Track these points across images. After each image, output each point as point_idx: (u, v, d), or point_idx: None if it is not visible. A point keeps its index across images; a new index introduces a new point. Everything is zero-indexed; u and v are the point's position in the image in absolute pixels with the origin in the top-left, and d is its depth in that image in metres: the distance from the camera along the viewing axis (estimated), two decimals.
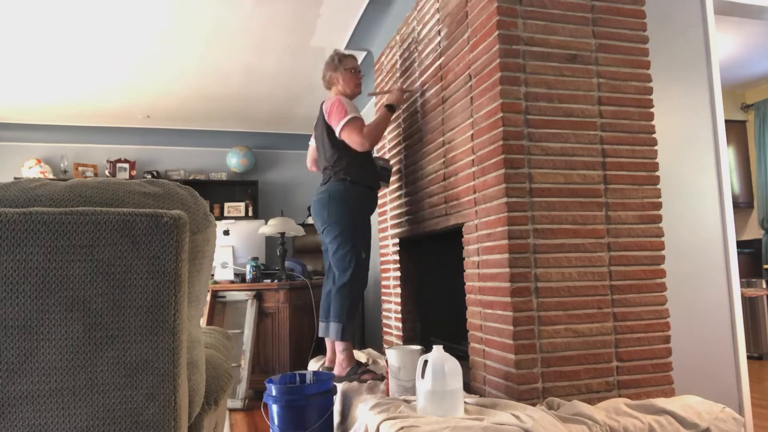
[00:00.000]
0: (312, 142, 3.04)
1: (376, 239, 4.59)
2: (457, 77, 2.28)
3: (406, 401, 1.97)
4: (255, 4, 3.41)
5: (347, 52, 3.20)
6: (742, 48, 4.58)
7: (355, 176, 2.67)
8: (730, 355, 2.34)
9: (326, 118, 2.71)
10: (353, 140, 2.60)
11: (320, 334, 2.76)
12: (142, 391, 0.91)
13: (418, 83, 2.75)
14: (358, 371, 2.57)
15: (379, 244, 3.41)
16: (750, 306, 4.50)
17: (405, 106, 2.95)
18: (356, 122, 2.63)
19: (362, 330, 4.82)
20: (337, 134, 2.66)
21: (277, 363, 3.80)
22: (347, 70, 2.83)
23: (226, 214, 6.20)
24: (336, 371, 2.61)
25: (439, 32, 2.50)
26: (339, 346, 2.61)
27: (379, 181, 2.87)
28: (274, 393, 2.19)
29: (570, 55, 2.02)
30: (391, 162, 3.19)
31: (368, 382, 2.48)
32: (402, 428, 1.62)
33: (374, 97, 3.07)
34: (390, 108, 2.77)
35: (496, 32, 1.95)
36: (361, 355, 3.05)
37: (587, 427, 1.61)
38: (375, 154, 3.07)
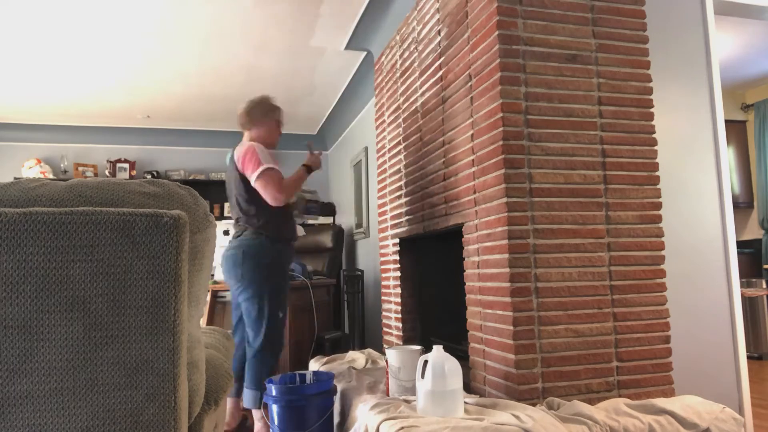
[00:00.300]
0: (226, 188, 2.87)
1: (376, 239, 4.60)
2: (457, 77, 2.28)
3: (406, 401, 1.97)
4: (255, 4, 3.41)
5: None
6: (742, 48, 4.58)
7: (273, 231, 2.52)
8: (730, 355, 2.34)
9: (239, 166, 2.53)
10: (268, 193, 2.46)
11: (231, 395, 2.64)
12: (142, 391, 0.91)
13: (418, 83, 2.75)
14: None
15: (379, 244, 3.41)
16: (750, 306, 4.50)
17: (405, 106, 2.95)
18: (274, 173, 2.49)
19: (362, 330, 4.82)
20: (252, 183, 2.49)
21: (277, 363, 3.80)
22: (277, 121, 2.73)
23: (226, 214, 6.20)
24: None
25: (439, 32, 2.50)
26: (256, 414, 2.51)
27: (309, 214, 2.78)
28: (273, 393, 2.18)
29: (570, 55, 2.02)
30: (391, 162, 3.19)
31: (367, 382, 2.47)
32: (402, 428, 1.62)
33: (374, 98, 2.99)
34: (308, 169, 2.70)
35: (496, 32, 1.95)
36: (360, 356, 3.05)
37: (587, 427, 1.61)
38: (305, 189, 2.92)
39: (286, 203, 2.56)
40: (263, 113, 2.70)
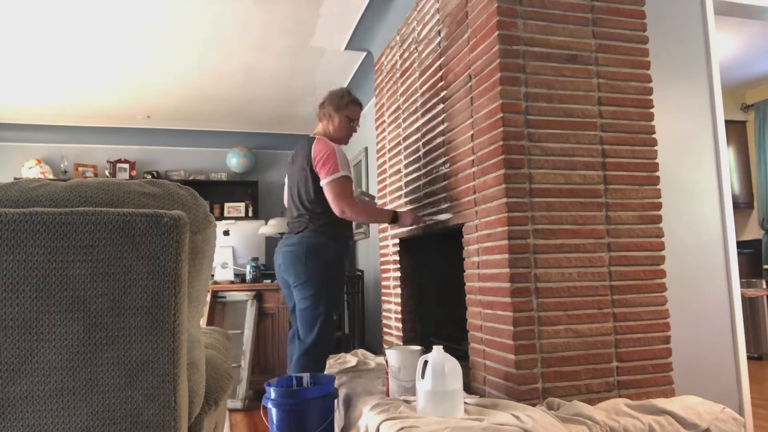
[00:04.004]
0: (287, 179, 2.75)
1: (376, 239, 4.60)
2: (457, 77, 2.28)
3: (406, 401, 1.97)
4: (255, 4, 3.41)
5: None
6: (742, 48, 4.58)
7: (335, 231, 2.47)
8: (730, 356, 2.34)
9: (313, 162, 2.45)
10: (339, 203, 2.39)
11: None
12: (142, 392, 0.91)
13: (418, 83, 2.75)
14: None
15: (379, 245, 3.41)
16: (750, 306, 4.50)
17: (405, 106, 2.95)
18: (347, 184, 2.42)
19: (362, 330, 4.82)
20: (321, 183, 2.42)
21: (277, 363, 3.80)
22: (350, 118, 2.62)
23: (226, 214, 6.20)
24: None
25: (439, 32, 2.50)
26: None
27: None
28: (273, 396, 2.17)
29: (570, 56, 2.02)
30: (391, 162, 3.19)
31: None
32: (402, 428, 1.62)
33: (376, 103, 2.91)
34: (393, 220, 2.56)
35: (496, 32, 1.95)
36: (351, 358, 3.04)
37: (587, 427, 1.61)
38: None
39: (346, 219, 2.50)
40: (337, 107, 2.60)
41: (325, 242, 2.44)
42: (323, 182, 2.43)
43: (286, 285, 2.60)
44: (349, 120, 2.63)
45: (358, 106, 2.66)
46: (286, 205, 2.72)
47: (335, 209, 2.42)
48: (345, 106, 2.59)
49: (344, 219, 2.48)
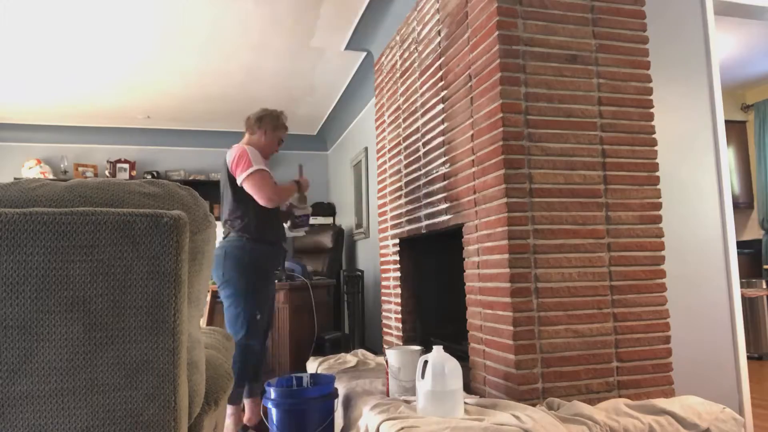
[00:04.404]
0: None
1: (376, 239, 4.60)
2: (457, 77, 2.28)
3: (406, 401, 1.97)
4: (255, 4, 3.41)
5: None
6: (742, 48, 4.58)
7: (254, 233, 2.56)
8: (730, 356, 2.34)
9: (230, 167, 2.59)
10: (263, 193, 2.52)
11: (247, 395, 2.70)
12: (142, 392, 0.91)
13: (418, 83, 2.75)
14: None
15: (379, 245, 3.41)
16: (750, 306, 4.50)
17: (405, 106, 2.95)
18: (265, 174, 2.56)
19: (362, 330, 4.82)
20: (239, 183, 2.55)
21: (277, 363, 3.80)
22: (278, 138, 2.80)
23: None
24: None
25: (439, 32, 2.50)
26: (228, 409, 2.53)
27: (297, 228, 2.82)
28: (273, 397, 2.17)
29: (570, 56, 2.02)
30: (391, 162, 3.19)
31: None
32: (402, 428, 1.62)
33: (374, 99, 3.01)
34: (298, 186, 2.79)
35: (496, 32, 1.95)
36: (351, 358, 3.03)
37: (587, 427, 1.61)
38: (295, 203, 2.96)
39: (277, 206, 2.62)
40: (273, 126, 2.78)
41: (244, 245, 2.54)
42: (240, 180, 2.53)
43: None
44: (279, 141, 2.83)
45: (287, 130, 2.87)
46: None
47: (262, 200, 2.53)
48: (281, 127, 2.80)
49: (269, 221, 2.60)
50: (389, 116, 3.25)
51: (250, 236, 2.56)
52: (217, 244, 2.63)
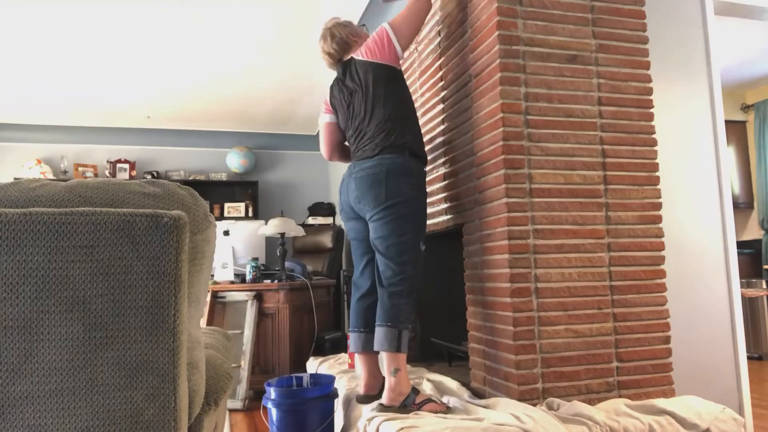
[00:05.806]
0: (327, 118, 2.36)
1: None
2: (457, 77, 2.28)
3: None
4: (255, 4, 3.41)
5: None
6: (742, 48, 4.58)
7: (416, 147, 2.10)
8: (730, 356, 2.34)
9: (377, 55, 2.10)
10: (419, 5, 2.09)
11: (351, 349, 2.19)
12: (142, 392, 0.91)
13: (418, 83, 2.75)
14: (416, 401, 1.89)
15: None
16: (750, 306, 4.50)
17: None
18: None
19: None
20: (401, 57, 2.11)
21: (277, 363, 3.80)
22: (361, 29, 2.34)
23: (226, 214, 6.20)
24: (385, 399, 1.91)
25: (439, 32, 2.50)
26: (391, 361, 1.90)
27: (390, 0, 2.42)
28: (273, 397, 2.17)
29: (570, 56, 2.02)
30: None
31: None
32: (402, 428, 1.62)
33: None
34: None
35: (496, 32, 1.95)
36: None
37: (587, 427, 1.61)
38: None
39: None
40: (353, 31, 2.29)
41: (408, 161, 2.06)
42: (393, 33, 2.10)
43: (355, 218, 2.22)
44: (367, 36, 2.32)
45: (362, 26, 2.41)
46: (331, 150, 2.40)
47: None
48: (351, 23, 2.33)
49: (420, 133, 2.17)
50: None
51: (413, 151, 2.09)
52: (353, 167, 2.14)
